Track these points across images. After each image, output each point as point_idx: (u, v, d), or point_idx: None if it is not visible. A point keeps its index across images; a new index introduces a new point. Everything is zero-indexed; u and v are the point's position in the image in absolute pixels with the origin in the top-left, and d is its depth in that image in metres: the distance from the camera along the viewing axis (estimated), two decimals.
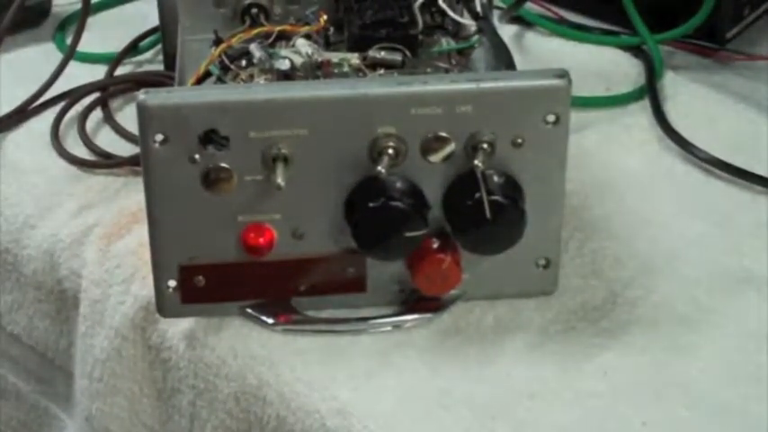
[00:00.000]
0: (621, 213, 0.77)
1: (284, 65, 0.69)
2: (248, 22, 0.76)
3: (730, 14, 0.92)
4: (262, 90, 0.64)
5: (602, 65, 0.93)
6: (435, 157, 0.64)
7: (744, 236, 0.75)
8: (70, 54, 0.89)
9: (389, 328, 0.67)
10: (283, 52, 0.70)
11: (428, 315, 0.67)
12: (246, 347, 0.67)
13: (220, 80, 0.70)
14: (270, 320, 0.67)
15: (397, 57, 0.70)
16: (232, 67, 0.70)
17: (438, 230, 0.65)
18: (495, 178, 0.64)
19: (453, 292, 0.65)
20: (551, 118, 0.64)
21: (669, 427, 0.62)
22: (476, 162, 0.63)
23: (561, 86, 0.63)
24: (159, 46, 0.91)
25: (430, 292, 0.65)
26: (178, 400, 0.70)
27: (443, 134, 0.64)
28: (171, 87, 0.70)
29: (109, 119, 0.87)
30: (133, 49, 0.94)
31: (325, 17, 0.73)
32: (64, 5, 1.00)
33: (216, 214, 0.64)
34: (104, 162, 0.82)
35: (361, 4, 0.73)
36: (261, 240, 0.65)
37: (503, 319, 0.68)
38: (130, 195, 0.78)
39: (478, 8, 0.74)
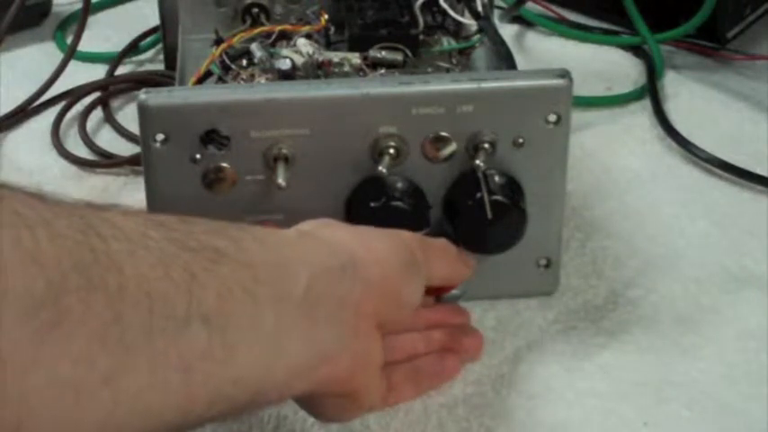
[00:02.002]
0: (622, 213, 0.77)
1: (285, 64, 0.69)
2: (249, 21, 0.76)
3: (731, 14, 0.92)
4: (263, 90, 0.64)
5: (603, 64, 0.93)
6: (436, 157, 0.64)
7: (744, 236, 0.75)
8: (70, 54, 0.89)
9: None
10: (284, 52, 0.70)
11: None
12: None
13: (221, 80, 0.70)
14: None
15: (398, 56, 0.71)
16: (233, 66, 0.70)
17: (439, 230, 0.65)
18: (497, 178, 0.64)
19: (454, 291, 0.65)
20: (552, 118, 0.64)
21: (670, 426, 0.62)
22: (477, 162, 0.63)
23: (562, 86, 0.63)
24: (160, 45, 0.91)
25: (431, 293, 0.65)
26: None
27: (444, 134, 0.64)
28: (172, 87, 0.70)
29: (109, 118, 0.87)
30: (134, 48, 0.94)
31: (325, 17, 0.73)
32: (64, 5, 1.00)
33: (217, 214, 0.63)
34: (105, 162, 0.83)
35: (361, 4, 0.73)
36: None
37: (504, 318, 0.68)
38: (131, 195, 0.78)
39: (479, 8, 0.74)
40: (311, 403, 0.58)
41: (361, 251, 0.56)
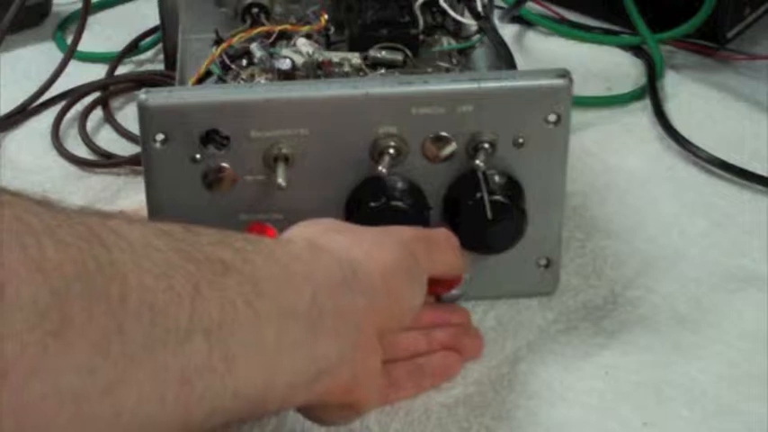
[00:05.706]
0: (622, 213, 0.77)
1: (285, 64, 0.69)
2: (249, 21, 0.76)
3: (731, 14, 0.92)
4: (262, 90, 0.64)
5: (603, 64, 0.93)
6: (436, 157, 0.64)
7: (744, 236, 0.75)
8: (70, 54, 0.89)
9: None
10: (284, 52, 0.70)
11: None
12: None
13: (221, 80, 0.70)
14: None
15: (398, 56, 0.71)
16: (233, 66, 0.70)
17: None
18: (497, 178, 0.64)
19: (454, 291, 0.65)
20: (552, 118, 0.64)
21: (670, 426, 0.62)
22: (477, 162, 0.63)
23: (562, 86, 0.63)
24: (160, 45, 0.91)
25: (431, 292, 0.65)
26: None
27: (444, 134, 0.64)
28: (172, 87, 0.70)
29: (109, 118, 0.87)
30: (134, 48, 0.94)
31: (325, 16, 0.73)
32: (64, 5, 1.00)
33: (217, 214, 0.64)
34: (105, 162, 0.83)
35: (361, 4, 0.73)
36: None
37: (503, 318, 0.68)
38: (131, 195, 0.78)
39: (479, 8, 0.74)
40: (311, 412, 0.58)
41: (364, 261, 0.56)
